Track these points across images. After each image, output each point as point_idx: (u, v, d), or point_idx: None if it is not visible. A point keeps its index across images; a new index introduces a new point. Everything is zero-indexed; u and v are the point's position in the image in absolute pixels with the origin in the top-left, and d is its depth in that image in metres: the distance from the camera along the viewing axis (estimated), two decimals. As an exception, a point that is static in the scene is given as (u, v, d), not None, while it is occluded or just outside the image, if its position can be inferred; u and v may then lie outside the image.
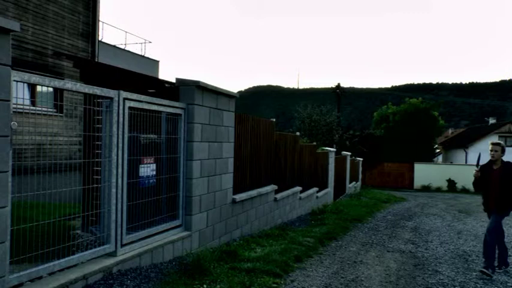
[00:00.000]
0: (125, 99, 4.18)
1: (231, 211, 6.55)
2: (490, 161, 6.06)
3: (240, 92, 8.48)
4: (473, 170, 6.20)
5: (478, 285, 5.25)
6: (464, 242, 8.15)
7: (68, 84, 3.78)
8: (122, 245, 4.22)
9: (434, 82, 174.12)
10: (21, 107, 3.85)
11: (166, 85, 5.49)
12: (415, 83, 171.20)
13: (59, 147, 10.44)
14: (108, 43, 16.37)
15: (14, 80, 3.08)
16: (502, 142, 6.20)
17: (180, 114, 5.20)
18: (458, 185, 29.33)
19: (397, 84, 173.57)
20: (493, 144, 6.09)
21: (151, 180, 4.79)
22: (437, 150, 42.60)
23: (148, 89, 5.43)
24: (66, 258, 3.62)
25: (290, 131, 24.03)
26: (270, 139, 8.37)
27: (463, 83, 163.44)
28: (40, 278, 3.37)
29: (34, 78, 3.28)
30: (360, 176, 24.07)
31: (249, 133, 7.37)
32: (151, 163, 4.80)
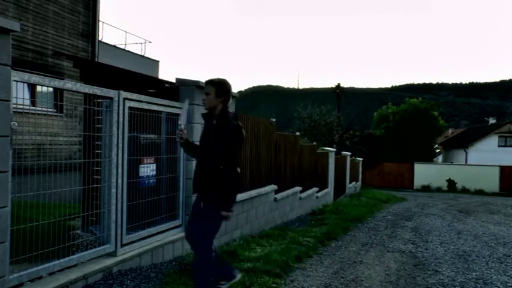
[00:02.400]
0: (124, 99, 4.18)
1: (231, 211, 6.54)
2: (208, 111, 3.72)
3: (240, 92, 8.48)
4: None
5: (478, 285, 5.24)
6: (464, 242, 8.15)
7: (68, 84, 3.78)
8: (122, 245, 4.22)
9: (434, 82, 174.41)
10: (21, 107, 3.85)
11: (166, 85, 5.49)
12: (415, 83, 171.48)
13: (59, 147, 10.44)
14: (108, 43, 16.37)
15: (14, 80, 3.08)
16: (220, 79, 3.68)
17: (180, 114, 5.19)
18: (458, 185, 29.31)
19: (397, 84, 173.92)
20: (206, 83, 3.70)
21: (151, 180, 4.79)
22: (437, 150, 42.60)
23: (148, 89, 5.43)
24: (66, 258, 3.62)
25: (290, 131, 24.03)
26: (270, 139, 8.37)
27: (463, 83, 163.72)
28: (40, 278, 3.37)
29: (34, 78, 3.28)
30: (360, 176, 24.06)
31: (249, 133, 7.36)
32: (151, 163, 4.80)
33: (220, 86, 3.62)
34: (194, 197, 3.82)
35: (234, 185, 3.54)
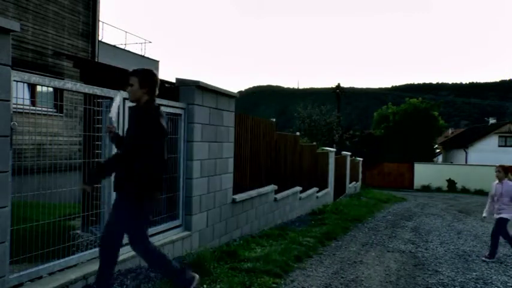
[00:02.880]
0: (124, 99, 4.18)
1: (231, 211, 6.55)
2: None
3: (240, 92, 8.49)
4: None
5: (478, 285, 5.24)
6: (464, 242, 8.15)
7: (68, 84, 3.78)
8: (122, 245, 4.21)
9: (434, 82, 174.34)
10: (21, 107, 3.86)
11: (166, 85, 5.48)
12: (415, 83, 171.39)
13: (59, 147, 10.44)
14: (108, 43, 16.36)
15: (14, 80, 3.08)
16: (144, 69, 3.46)
17: (180, 114, 5.20)
18: (458, 185, 29.30)
19: (397, 84, 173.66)
20: (129, 74, 3.41)
21: (151, 180, 4.77)
22: (437, 150, 42.59)
23: (148, 89, 5.41)
24: (66, 258, 3.62)
25: (290, 131, 24.03)
26: (270, 139, 8.37)
27: (463, 83, 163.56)
28: (40, 278, 3.37)
29: (34, 78, 3.28)
30: (360, 176, 24.06)
31: (249, 133, 7.36)
32: (151, 163, 4.78)
33: (143, 77, 3.36)
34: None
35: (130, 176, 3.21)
